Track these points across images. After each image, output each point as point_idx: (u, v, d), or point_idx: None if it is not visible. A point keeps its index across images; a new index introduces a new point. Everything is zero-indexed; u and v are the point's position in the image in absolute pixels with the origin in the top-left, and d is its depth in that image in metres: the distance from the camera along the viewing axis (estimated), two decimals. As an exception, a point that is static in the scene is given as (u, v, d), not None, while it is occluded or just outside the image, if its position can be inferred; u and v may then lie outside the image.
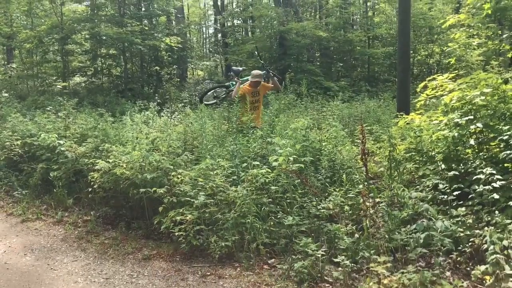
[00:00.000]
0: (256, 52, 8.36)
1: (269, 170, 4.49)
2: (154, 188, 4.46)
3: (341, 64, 18.63)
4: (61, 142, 6.12)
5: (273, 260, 3.95)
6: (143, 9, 18.63)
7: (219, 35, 28.17)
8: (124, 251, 4.35)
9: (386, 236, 3.81)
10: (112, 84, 17.87)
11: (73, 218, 5.30)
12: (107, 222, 5.08)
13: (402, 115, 6.15)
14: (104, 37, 16.59)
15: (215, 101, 8.02)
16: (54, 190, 5.78)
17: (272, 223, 4.21)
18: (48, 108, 8.81)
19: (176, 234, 4.05)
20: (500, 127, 4.25)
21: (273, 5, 19.80)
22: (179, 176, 4.61)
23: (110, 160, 5.15)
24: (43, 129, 6.92)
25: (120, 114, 9.33)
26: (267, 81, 7.15)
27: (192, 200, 4.24)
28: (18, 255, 4.36)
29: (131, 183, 4.77)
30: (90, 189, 5.22)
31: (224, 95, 7.88)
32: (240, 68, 7.97)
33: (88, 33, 16.91)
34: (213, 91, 8.22)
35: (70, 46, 17.35)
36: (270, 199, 4.38)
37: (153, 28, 17.99)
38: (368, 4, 21.02)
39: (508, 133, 4.06)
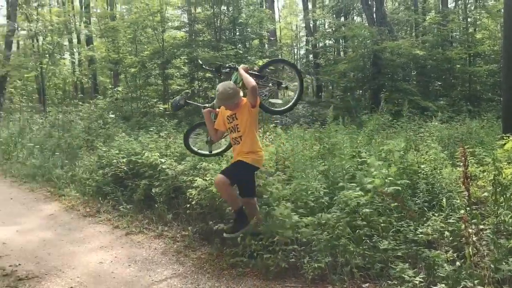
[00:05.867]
0: (200, 63, 6.09)
1: (362, 193, 4.40)
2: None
3: (439, 83, 17.83)
4: (163, 160, 6.53)
5: (367, 284, 3.83)
6: (237, 33, 19.36)
7: (311, 56, 28.38)
8: (219, 267, 4.48)
9: (492, 266, 3.55)
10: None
11: (172, 232, 5.57)
12: (204, 238, 5.25)
13: (508, 137, 5.73)
14: (201, 61, 17.44)
15: (212, 149, 5.37)
16: (155, 205, 6.12)
17: (366, 246, 4.11)
18: (151, 129, 9.42)
19: (267, 255, 4.11)
20: None
21: (367, 25, 19.53)
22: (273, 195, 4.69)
23: (207, 178, 5.40)
24: (146, 148, 7.40)
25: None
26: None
27: (285, 220, 4.29)
28: (123, 265, 4.67)
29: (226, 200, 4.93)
30: (188, 205, 5.51)
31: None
32: (178, 97, 5.45)
33: (187, 58, 17.89)
34: (195, 133, 5.67)
35: (170, 70, 18.46)
36: (364, 222, 4.28)
37: (247, 51, 18.59)
38: (469, 20, 20.01)
39: None
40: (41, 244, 5.42)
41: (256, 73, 4.85)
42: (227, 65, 4.91)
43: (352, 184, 4.63)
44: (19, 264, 4.72)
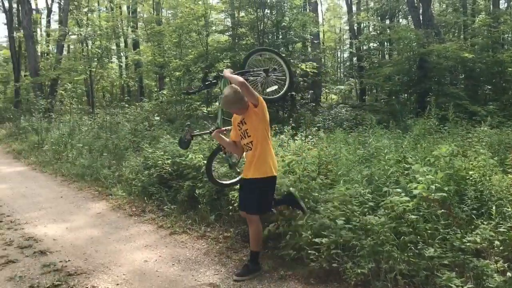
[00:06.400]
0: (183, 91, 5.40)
1: (409, 198, 4.32)
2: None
3: (489, 87, 17.16)
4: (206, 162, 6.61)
5: (412, 292, 3.76)
6: (280, 37, 19.36)
7: (355, 59, 28.06)
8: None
9: (546, 278, 3.40)
10: (250, 108, 18.74)
11: (214, 233, 5.64)
12: (245, 240, 5.28)
13: None
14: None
15: (239, 176, 5.09)
16: (199, 206, 6.21)
17: (411, 253, 4.01)
18: (195, 131, 9.56)
19: (311, 257, 4.10)
20: None
21: (413, 27, 19.10)
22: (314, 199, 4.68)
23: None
24: (190, 150, 7.51)
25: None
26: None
27: (329, 223, 4.27)
28: (167, 264, 4.77)
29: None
30: (230, 207, 5.57)
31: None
32: (183, 134, 5.23)
33: (230, 61, 18.06)
34: (215, 162, 5.59)
35: (213, 74, 18.63)
36: (410, 229, 4.19)
37: (290, 54, 18.56)
38: (523, 21, 19.19)
39: None
40: (89, 241, 5.62)
41: (241, 71, 4.79)
42: (211, 76, 4.82)
43: (397, 189, 4.54)
44: (69, 260, 4.92)
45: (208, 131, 4.93)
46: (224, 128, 4.71)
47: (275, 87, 5.10)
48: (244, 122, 4.34)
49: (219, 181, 5.41)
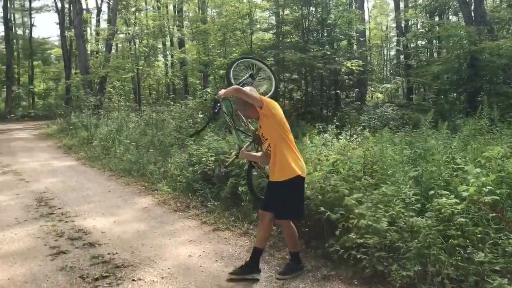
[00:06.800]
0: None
1: (458, 201, 4.17)
2: (328, 213, 4.54)
3: (547, 86, 16.37)
4: (248, 160, 6.64)
5: (460, 297, 3.63)
6: (325, 34, 19.17)
7: (401, 57, 27.43)
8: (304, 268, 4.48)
9: None
10: (293, 107, 18.67)
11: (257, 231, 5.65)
12: (288, 239, 5.29)
13: None
14: (288, 63, 17.51)
15: None
16: (242, 203, 6.25)
17: (459, 257, 3.88)
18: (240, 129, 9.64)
19: (359, 257, 4.06)
20: None
21: (463, 24, 18.44)
22: (358, 199, 4.61)
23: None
24: (233, 147, 7.58)
25: (301, 136, 9.68)
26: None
27: (373, 225, 4.20)
28: (211, 260, 4.83)
29: (311, 203, 4.92)
30: (273, 206, 5.54)
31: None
32: (216, 170, 5.45)
33: (274, 59, 18.05)
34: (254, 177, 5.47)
35: (257, 72, 18.71)
36: (458, 232, 4.05)
37: (335, 52, 18.33)
38: None
39: None
40: (135, 235, 5.77)
41: (229, 84, 4.84)
42: (215, 103, 4.80)
43: (447, 191, 4.40)
44: (116, 253, 5.06)
45: (235, 155, 4.94)
46: (246, 145, 4.70)
47: (265, 85, 5.21)
48: (260, 126, 4.32)
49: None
